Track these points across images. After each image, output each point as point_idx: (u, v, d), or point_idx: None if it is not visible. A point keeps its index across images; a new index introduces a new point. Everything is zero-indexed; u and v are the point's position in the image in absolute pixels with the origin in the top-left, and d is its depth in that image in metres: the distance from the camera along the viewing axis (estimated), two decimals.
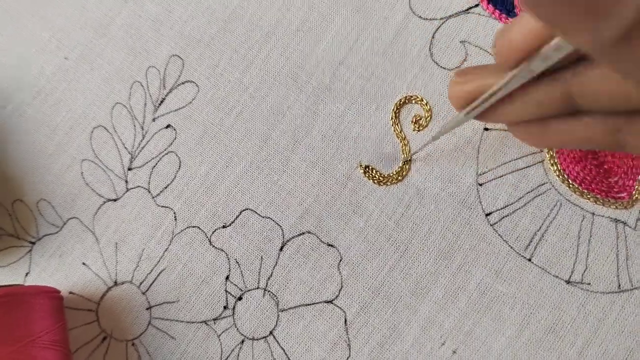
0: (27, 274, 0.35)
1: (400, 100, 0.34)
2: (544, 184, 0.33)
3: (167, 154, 0.35)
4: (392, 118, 0.34)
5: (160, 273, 0.34)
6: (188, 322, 0.34)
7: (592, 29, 0.17)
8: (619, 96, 0.24)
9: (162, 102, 0.36)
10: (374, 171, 0.34)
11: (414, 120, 0.34)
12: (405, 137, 0.34)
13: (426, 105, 0.34)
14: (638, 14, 0.16)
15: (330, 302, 0.33)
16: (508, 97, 0.25)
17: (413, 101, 0.34)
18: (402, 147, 0.34)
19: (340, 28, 0.35)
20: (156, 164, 0.35)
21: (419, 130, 0.34)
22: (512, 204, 0.33)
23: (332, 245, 0.34)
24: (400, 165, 0.34)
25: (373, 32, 0.35)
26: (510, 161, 0.33)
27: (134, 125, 0.36)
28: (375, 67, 0.35)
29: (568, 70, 0.24)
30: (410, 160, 0.34)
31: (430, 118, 0.34)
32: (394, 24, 0.35)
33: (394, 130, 0.34)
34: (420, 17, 0.35)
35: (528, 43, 0.23)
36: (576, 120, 0.26)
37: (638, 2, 0.16)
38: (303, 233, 0.34)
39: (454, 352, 0.32)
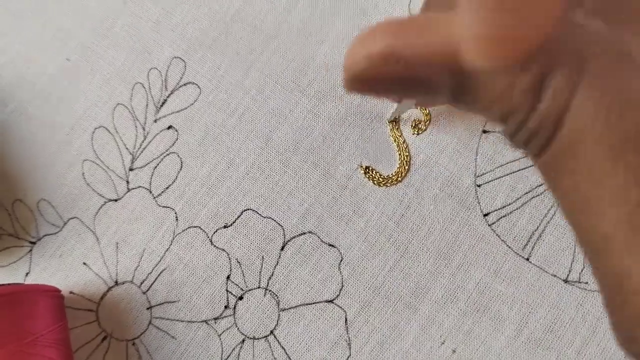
0: (27, 274, 0.35)
1: None
2: (541, 185, 0.33)
3: (168, 154, 0.36)
4: (392, 121, 0.35)
5: (161, 273, 0.34)
6: (189, 321, 0.34)
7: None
8: None
9: (163, 103, 0.36)
10: (374, 172, 0.34)
11: (413, 124, 0.35)
12: (404, 140, 0.35)
13: (425, 109, 0.35)
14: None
15: (331, 301, 0.33)
16: None
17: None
18: (401, 149, 0.35)
19: (341, 31, 0.36)
20: (157, 164, 0.36)
21: (418, 134, 0.35)
22: (509, 204, 0.33)
23: (332, 246, 0.34)
24: (398, 166, 0.34)
25: None
26: (507, 163, 0.34)
27: (136, 126, 0.36)
28: None
29: None
30: (409, 162, 0.34)
31: (429, 122, 0.35)
32: None
33: (394, 134, 0.35)
34: None
35: None
36: None
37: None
38: (304, 233, 0.34)
39: (454, 351, 0.32)
